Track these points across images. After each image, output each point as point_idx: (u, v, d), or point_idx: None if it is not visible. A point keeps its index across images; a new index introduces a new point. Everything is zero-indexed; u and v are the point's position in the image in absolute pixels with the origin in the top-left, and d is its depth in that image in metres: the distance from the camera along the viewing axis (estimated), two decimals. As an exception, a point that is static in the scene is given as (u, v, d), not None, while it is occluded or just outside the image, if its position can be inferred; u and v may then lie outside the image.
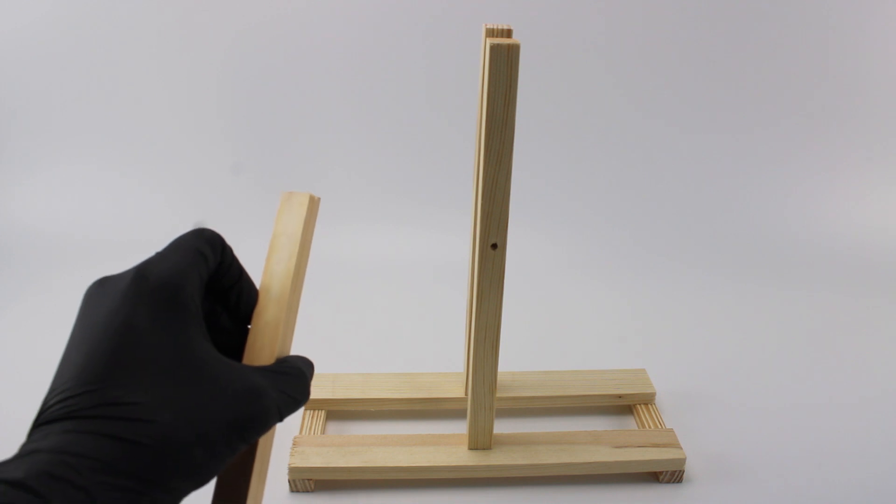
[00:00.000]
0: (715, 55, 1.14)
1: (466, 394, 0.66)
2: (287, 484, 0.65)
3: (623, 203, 1.17)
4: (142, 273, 0.30)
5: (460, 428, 0.72)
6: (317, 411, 0.74)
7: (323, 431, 0.71)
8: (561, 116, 1.15)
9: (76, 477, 0.24)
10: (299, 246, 0.37)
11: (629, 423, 0.76)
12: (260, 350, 0.34)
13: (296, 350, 0.36)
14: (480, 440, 0.66)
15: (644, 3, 1.10)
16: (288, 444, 0.68)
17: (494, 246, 0.55)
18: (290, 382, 0.32)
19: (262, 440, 0.33)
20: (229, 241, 0.34)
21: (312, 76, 1.12)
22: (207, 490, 0.31)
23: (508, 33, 0.49)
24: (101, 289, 0.30)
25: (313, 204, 0.39)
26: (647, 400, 0.76)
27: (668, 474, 0.67)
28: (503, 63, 0.47)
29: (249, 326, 0.35)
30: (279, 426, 0.72)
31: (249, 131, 1.15)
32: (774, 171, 1.19)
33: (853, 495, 0.66)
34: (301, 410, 0.74)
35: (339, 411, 0.75)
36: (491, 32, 0.50)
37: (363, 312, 0.96)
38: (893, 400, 0.81)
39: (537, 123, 1.13)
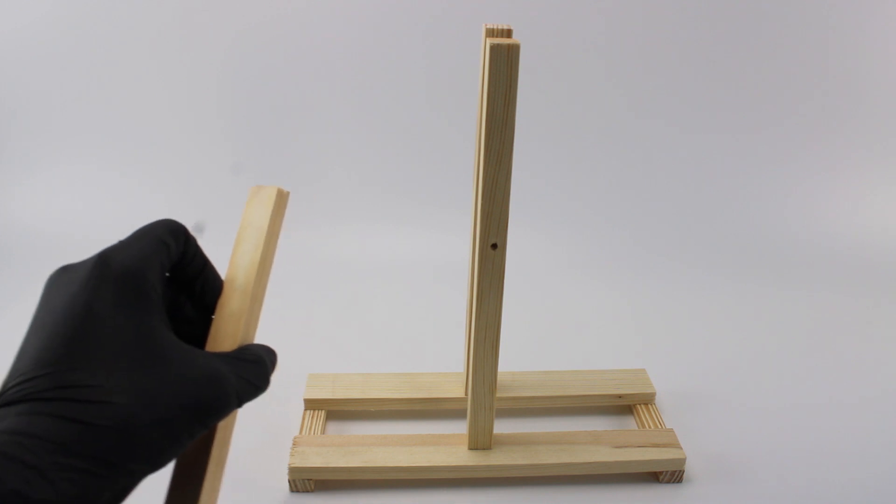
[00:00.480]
0: (715, 55, 1.13)
1: (466, 394, 0.66)
2: (287, 484, 0.65)
3: (623, 203, 1.17)
4: (103, 259, 0.30)
5: (460, 428, 0.72)
6: (317, 411, 0.74)
7: (323, 431, 0.71)
8: (561, 116, 1.15)
9: (30, 457, 0.24)
10: (265, 238, 0.37)
11: (629, 423, 0.76)
12: (222, 340, 0.34)
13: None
14: (480, 440, 0.66)
15: (644, 3, 1.10)
16: (288, 444, 0.68)
17: (494, 246, 0.55)
18: (249, 369, 0.32)
19: (221, 426, 0.33)
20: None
21: (312, 76, 1.12)
22: (165, 474, 0.31)
23: (508, 33, 0.49)
24: (62, 275, 0.30)
25: (281, 197, 0.39)
26: (647, 400, 0.76)
27: (668, 474, 0.67)
28: (503, 63, 0.47)
29: (213, 317, 0.35)
30: (278, 425, 0.72)
31: (249, 131, 1.15)
32: (774, 171, 1.19)
33: (853, 495, 0.66)
34: (301, 410, 0.74)
35: (339, 411, 0.75)
36: (491, 32, 0.50)
37: (363, 312, 0.96)
38: (893, 400, 0.81)
39: (537, 123, 1.13)
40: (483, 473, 0.66)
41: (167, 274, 0.34)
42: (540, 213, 1.14)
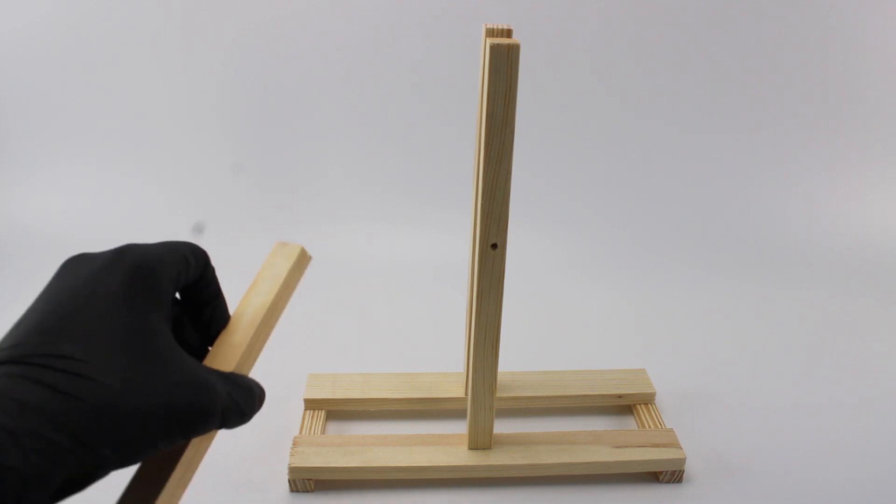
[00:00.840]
0: (715, 55, 1.14)
1: (466, 394, 0.66)
2: (287, 484, 0.65)
3: (623, 203, 1.17)
4: (122, 250, 0.31)
5: (460, 428, 0.72)
6: (317, 411, 0.74)
7: (323, 431, 0.71)
8: (561, 116, 1.15)
9: (8, 421, 0.24)
10: (281, 287, 0.37)
11: (629, 423, 0.76)
12: (218, 365, 0.34)
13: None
14: (480, 440, 0.66)
15: (644, 3, 1.10)
16: (288, 444, 0.68)
17: (494, 246, 0.54)
18: (240, 391, 0.32)
19: (192, 447, 0.33)
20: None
21: (312, 76, 1.12)
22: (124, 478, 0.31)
23: (508, 33, 0.49)
24: (79, 259, 0.31)
25: (303, 257, 0.40)
26: (647, 400, 0.76)
27: (668, 474, 0.67)
28: (503, 63, 0.47)
29: (211, 347, 0.36)
30: (278, 425, 0.72)
31: (249, 131, 1.15)
32: (774, 171, 1.19)
33: (853, 495, 0.66)
34: (301, 410, 0.74)
35: (339, 411, 0.75)
36: (491, 32, 0.50)
37: (363, 312, 0.96)
38: (893, 400, 0.81)
39: (537, 123, 1.13)
40: (483, 473, 0.66)
41: (178, 296, 0.34)
42: (540, 213, 1.14)
